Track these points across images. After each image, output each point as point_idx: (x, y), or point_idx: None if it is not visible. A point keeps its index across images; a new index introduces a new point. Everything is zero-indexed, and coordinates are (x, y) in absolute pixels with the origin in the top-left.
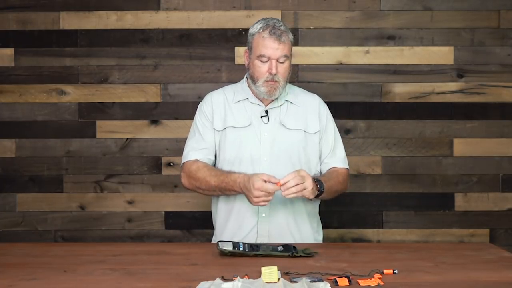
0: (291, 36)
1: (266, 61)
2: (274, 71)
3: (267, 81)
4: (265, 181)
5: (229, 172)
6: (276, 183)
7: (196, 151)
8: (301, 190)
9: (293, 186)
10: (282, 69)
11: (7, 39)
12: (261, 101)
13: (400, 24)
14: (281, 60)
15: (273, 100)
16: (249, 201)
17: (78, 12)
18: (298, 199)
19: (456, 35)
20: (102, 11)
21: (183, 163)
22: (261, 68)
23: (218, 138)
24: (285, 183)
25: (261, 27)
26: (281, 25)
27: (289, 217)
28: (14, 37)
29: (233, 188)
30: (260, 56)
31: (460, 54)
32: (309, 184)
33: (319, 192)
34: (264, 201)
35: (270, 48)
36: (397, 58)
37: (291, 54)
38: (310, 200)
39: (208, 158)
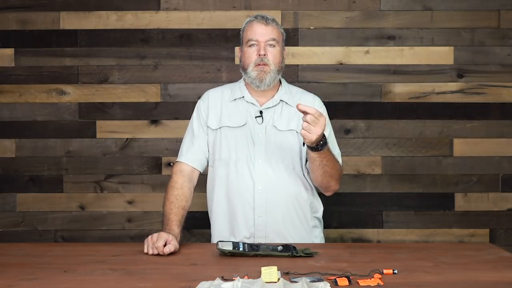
0: (280, 27)
1: (255, 45)
2: (262, 51)
3: (256, 65)
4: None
5: (169, 220)
6: (296, 107)
7: (189, 153)
8: (306, 130)
9: (305, 121)
10: (272, 54)
11: (7, 39)
12: (256, 101)
13: (400, 24)
14: (270, 43)
15: (268, 100)
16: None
17: (78, 12)
18: (294, 199)
19: (456, 35)
20: (102, 11)
21: (176, 162)
22: (251, 53)
23: (213, 137)
24: (304, 111)
25: (249, 19)
26: (269, 16)
27: (286, 220)
28: (14, 37)
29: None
30: (249, 41)
31: (460, 54)
32: (316, 131)
33: (318, 145)
34: (147, 247)
35: (258, 33)
36: (397, 58)
37: (282, 44)
38: (304, 145)
39: (198, 161)
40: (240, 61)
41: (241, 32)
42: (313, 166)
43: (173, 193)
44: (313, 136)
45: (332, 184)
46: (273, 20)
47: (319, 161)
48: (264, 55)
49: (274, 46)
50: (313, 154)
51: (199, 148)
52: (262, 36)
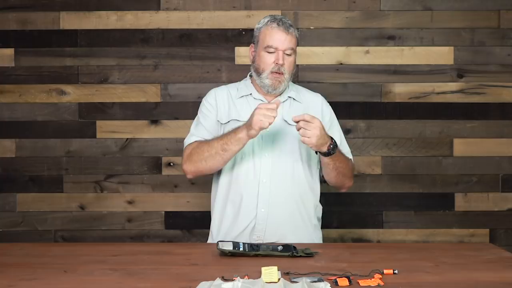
0: (297, 32)
1: (273, 52)
2: (281, 61)
3: (272, 72)
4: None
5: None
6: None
7: (197, 137)
8: (304, 135)
9: (300, 128)
10: (288, 62)
11: (7, 39)
12: (264, 97)
13: (400, 24)
14: (287, 52)
15: (276, 96)
16: (251, 130)
17: (78, 12)
18: (298, 195)
19: (456, 35)
20: (102, 11)
21: (184, 148)
22: (268, 59)
23: (222, 131)
24: (297, 120)
25: (268, 20)
26: (288, 20)
27: (288, 215)
28: (14, 37)
29: (236, 133)
30: (267, 47)
31: (460, 54)
32: (313, 133)
33: (329, 150)
34: (264, 114)
35: (278, 39)
36: (397, 58)
37: (296, 51)
38: (316, 153)
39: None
40: (253, 62)
41: (256, 31)
42: (327, 169)
43: (201, 143)
44: (313, 139)
45: (346, 182)
46: (292, 26)
47: (332, 164)
48: (282, 64)
49: (291, 55)
50: (326, 159)
51: (208, 133)
52: (282, 44)
